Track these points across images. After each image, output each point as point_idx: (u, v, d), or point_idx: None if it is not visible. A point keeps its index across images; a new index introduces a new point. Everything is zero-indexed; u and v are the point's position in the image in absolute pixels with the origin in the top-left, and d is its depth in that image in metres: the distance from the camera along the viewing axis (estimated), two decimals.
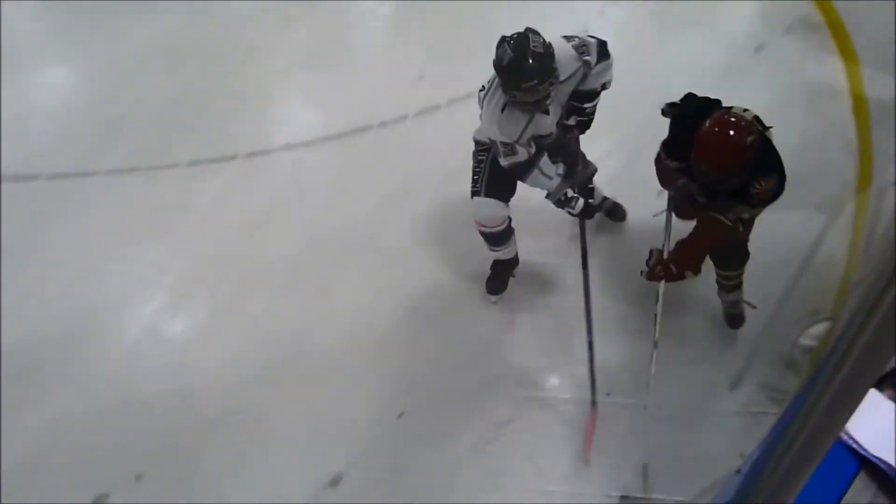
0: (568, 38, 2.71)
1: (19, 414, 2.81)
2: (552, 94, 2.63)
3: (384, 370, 2.99)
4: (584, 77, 2.73)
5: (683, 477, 2.69)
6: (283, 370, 2.91)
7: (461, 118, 3.86)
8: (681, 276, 2.70)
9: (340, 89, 4.07)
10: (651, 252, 2.72)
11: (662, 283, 2.71)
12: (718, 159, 2.50)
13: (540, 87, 2.56)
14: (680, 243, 2.74)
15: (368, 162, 3.73)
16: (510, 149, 2.73)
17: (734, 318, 3.06)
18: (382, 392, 2.94)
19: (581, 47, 2.69)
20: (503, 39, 2.58)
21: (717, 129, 2.51)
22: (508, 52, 2.54)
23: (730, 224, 2.64)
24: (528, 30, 2.59)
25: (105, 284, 3.22)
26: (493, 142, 2.81)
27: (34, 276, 3.19)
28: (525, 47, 2.52)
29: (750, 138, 2.49)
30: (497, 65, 2.59)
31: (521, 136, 2.71)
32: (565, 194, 2.81)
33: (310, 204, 3.53)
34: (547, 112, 2.74)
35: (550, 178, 2.81)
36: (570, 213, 2.86)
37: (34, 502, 2.65)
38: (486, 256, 3.13)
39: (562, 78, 2.65)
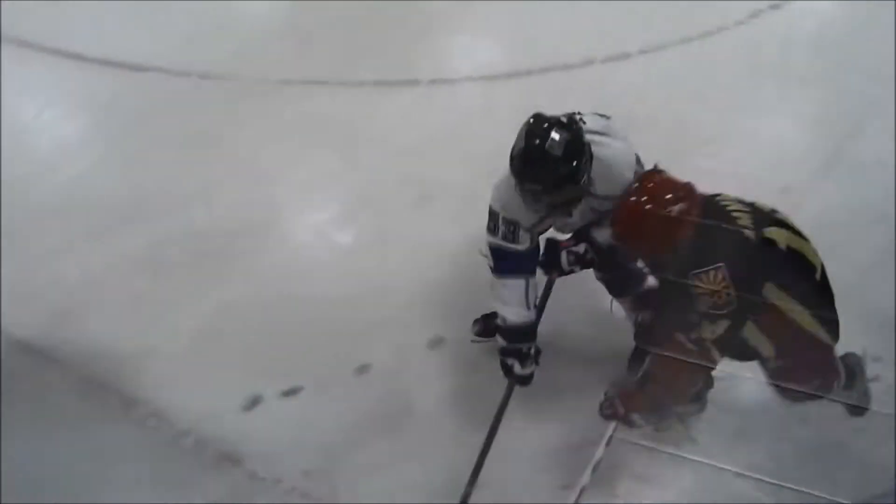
0: (637, 160, 2.15)
1: (197, 295, 3.00)
2: (576, 205, 2.11)
3: None
4: None
5: None
6: (446, 294, 2.90)
7: (651, 70, 3.73)
8: (630, 422, 2.10)
9: (529, 26, 4.00)
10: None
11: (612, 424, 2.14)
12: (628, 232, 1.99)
13: (545, 197, 2.06)
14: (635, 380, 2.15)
15: (548, 104, 3.63)
16: (510, 231, 2.15)
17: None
18: None
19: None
20: (532, 118, 2.07)
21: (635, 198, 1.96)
22: (520, 140, 2.04)
23: (691, 349, 1.94)
24: (561, 119, 2.05)
25: (284, 186, 3.35)
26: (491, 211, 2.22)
27: (225, 168, 3.37)
28: (537, 142, 2.00)
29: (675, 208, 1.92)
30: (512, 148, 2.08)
31: (531, 227, 2.18)
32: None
33: (484, 137, 3.49)
34: (569, 215, 2.19)
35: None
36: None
37: None
38: None
39: (602, 192, 2.08)
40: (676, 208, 1.90)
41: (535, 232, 2.21)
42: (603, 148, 2.09)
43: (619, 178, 2.07)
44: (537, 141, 1.99)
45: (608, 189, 2.08)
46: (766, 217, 2.02)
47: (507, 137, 3.37)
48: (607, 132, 2.14)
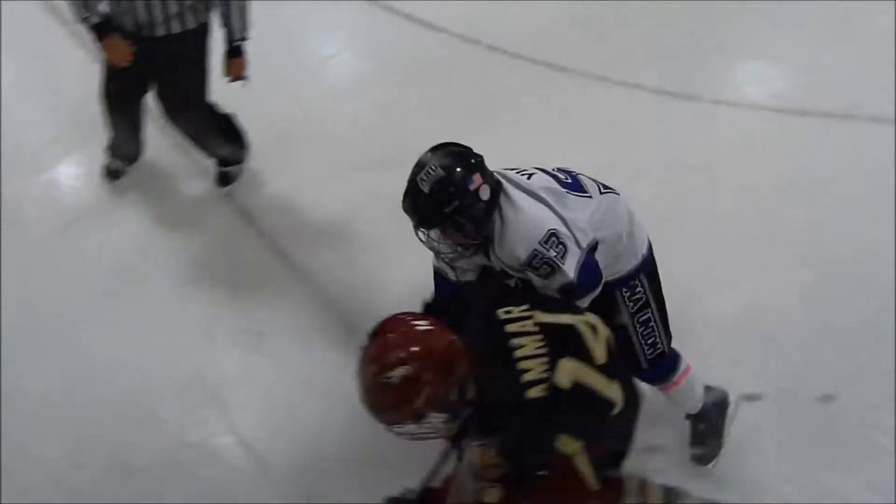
0: (548, 239, 1.86)
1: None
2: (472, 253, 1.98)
3: None
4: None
5: None
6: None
7: None
8: None
9: (827, 64, 3.64)
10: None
11: None
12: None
13: (417, 231, 1.94)
14: None
15: (832, 156, 3.29)
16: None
17: None
18: None
19: (542, 261, 1.86)
20: (439, 145, 1.95)
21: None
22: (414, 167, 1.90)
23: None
24: (461, 154, 1.91)
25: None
26: None
27: (481, 143, 3.45)
28: (416, 170, 1.87)
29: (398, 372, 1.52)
30: None
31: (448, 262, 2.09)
32: None
33: (755, 167, 3.26)
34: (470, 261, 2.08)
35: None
36: None
37: None
38: None
39: (499, 254, 1.93)
40: (397, 373, 1.53)
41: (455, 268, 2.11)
42: (510, 209, 1.90)
43: (509, 249, 1.91)
44: (417, 169, 1.87)
45: (503, 254, 1.93)
46: (560, 343, 1.65)
47: (775, 171, 3.16)
48: (536, 195, 1.94)
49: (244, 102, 3.14)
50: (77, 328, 2.85)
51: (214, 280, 3.05)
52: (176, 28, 2.75)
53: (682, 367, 2.22)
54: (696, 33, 3.83)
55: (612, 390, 1.66)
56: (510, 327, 1.64)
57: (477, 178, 1.86)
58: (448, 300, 2.10)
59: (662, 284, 2.15)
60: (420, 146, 1.93)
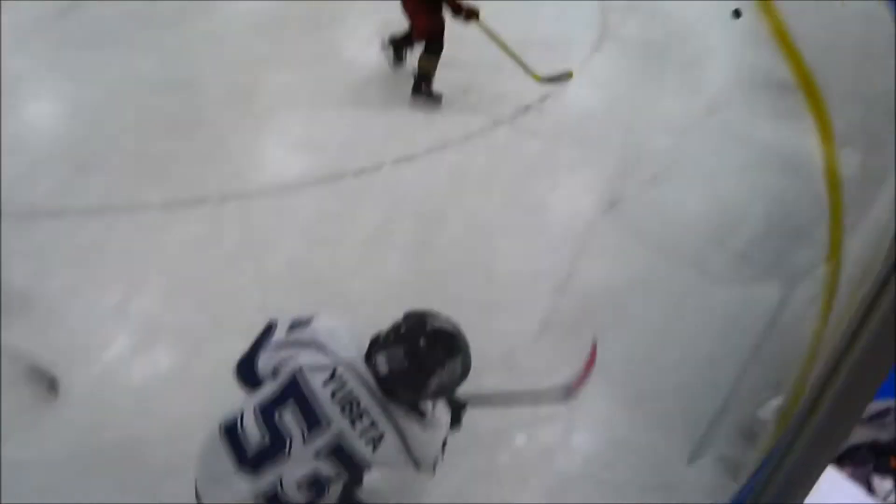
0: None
1: None
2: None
3: None
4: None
5: None
6: None
7: (438, 168, 3.95)
8: None
9: (319, 134, 4.11)
10: None
11: None
12: None
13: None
14: None
15: (342, 209, 3.72)
16: None
17: None
18: None
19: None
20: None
21: None
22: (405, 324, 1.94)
23: None
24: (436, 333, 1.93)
25: (63, 329, 3.13)
26: None
27: None
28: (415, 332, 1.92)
29: None
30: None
31: None
32: None
33: (280, 250, 3.50)
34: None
35: None
36: None
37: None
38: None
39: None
40: None
41: None
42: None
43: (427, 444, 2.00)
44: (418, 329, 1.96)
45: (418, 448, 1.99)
46: None
47: (301, 248, 3.47)
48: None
49: None
50: None
51: None
52: None
53: None
54: (187, 137, 3.94)
55: None
56: None
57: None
58: None
59: None
60: None
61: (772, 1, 5.94)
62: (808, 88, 4.74)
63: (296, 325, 2.01)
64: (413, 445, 1.88)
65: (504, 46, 4.17)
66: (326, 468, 1.84)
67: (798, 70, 5.00)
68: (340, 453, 1.84)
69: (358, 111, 4.29)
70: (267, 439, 1.83)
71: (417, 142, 4.05)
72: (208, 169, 3.84)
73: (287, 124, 4.20)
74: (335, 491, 1.94)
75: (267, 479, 1.81)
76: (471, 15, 4.06)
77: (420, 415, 1.93)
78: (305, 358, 1.90)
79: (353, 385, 1.85)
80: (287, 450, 1.82)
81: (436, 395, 1.97)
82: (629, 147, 4.14)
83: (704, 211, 3.84)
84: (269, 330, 2.04)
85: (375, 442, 1.84)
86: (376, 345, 1.91)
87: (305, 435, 1.83)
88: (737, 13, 5.44)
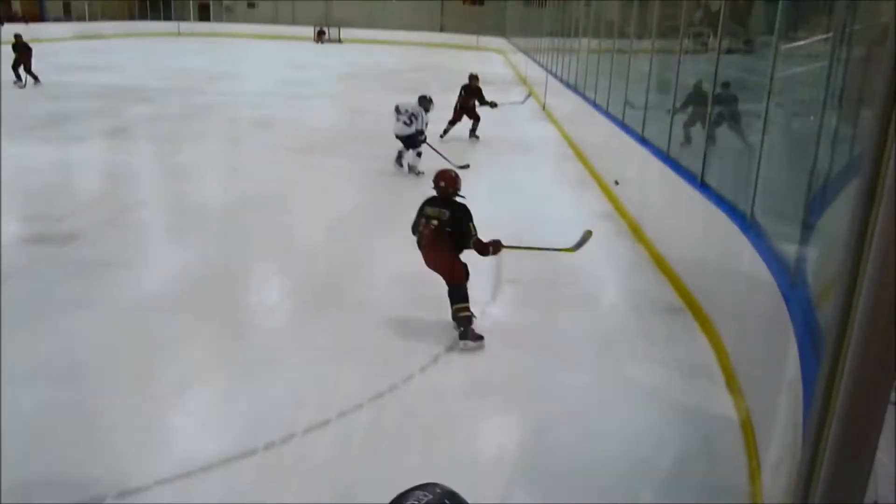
0: None
1: None
2: None
3: None
4: None
5: None
6: None
7: (355, 433, 3.81)
8: None
9: (226, 408, 3.95)
10: None
11: None
12: None
13: None
14: None
15: (253, 489, 3.47)
16: None
17: None
18: None
19: None
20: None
21: None
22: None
23: None
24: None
25: None
26: None
27: None
28: None
29: None
30: None
31: None
32: None
33: None
34: None
35: None
36: None
37: None
38: None
39: None
40: None
41: None
42: None
43: None
44: None
45: None
46: None
47: None
48: None
49: None
50: None
51: None
52: None
53: None
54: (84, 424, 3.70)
55: None
56: None
57: None
58: None
59: None
60: None
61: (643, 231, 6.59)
62: (694, 309, 5.08)
63: None
64: None
65: (529, 248, 4.85)
66: None
67: (680, 293, 5.40)
68: None
69: (264, 382, 4.21)
70: None
71: (327, 407, 3.95)
72: (100, 467, 3.56)
73: (191, 404, 4.04)
74: None
75: None
76: (497, 248, 4.54)
77: None
78: None
79: None
80: None
81: None
82: (537, 391, 4.19)
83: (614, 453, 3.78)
84: None
85: None
86: None
87: None
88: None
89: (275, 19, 38.99)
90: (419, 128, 8.68)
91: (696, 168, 5.42)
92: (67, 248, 6.08)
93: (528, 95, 11.44)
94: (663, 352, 4.65)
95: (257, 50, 28.87)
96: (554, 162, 10.24)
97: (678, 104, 6.37)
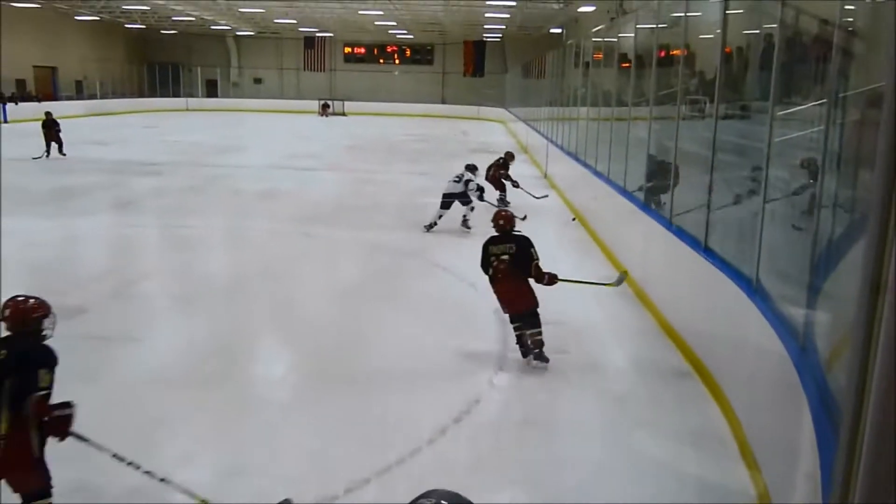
0: None
1: None
2: None
3: None
4: None
5: None
6: None
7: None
8: None
9: (231, 484, 3.84)
10: None
11: None
12: None
13: None
14: None
15: None
16: None
17: None
18: None
19: None
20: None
21: None
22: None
23: None
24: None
25: None
26: None
27: None
28: None
29: None
30: None
31: None
32: None
33: None
34: None
35: None
36: None
37: None
38: None
39: None
40: None
41: None
42: None
43: None
44: None
45: None
46: None
47: None
48: None
49: None
50: None
51: None
52: None
53: None
54: None
55: None
56: None
57: None
58: None
59: None
60: None
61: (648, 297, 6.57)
62: (702, 374, 5.02)
63: None
64: None
65: (577, 281, 5.68)
66: None
67: (688, 358, 5.34)
68: None
69: (269, 456, 4.13)
70: None
71: (336, 479, 3.87)
72: None
73: (195, 480, 3.95)
74: None
75: None
76: (553, 280, 5.17)
77: None
78: None
79: None
80: None
81: None
82: (546, 464, 4.09)
83: None
84: None
85: None
86: None
87: None
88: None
89: (281, 94, 40.03)
90: (471, 188, 9.84)
91: (698, 233, 5.45)
92: (72, 322, 6.05)
93: (547, 195, 12.08)
94: (674, 420, 4.56)
95: (263, 123, 29.50)
96: (556, 227, 10.30)
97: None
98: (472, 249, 7.12)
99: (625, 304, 6.75)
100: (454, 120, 34.08)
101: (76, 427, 3.34)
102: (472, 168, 10.24)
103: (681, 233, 5.91)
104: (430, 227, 9.71)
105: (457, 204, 9.81)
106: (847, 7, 3.79)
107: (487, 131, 28.27)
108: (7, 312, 3.39)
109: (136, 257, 8.02)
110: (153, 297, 7.09)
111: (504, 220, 5.37)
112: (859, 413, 1.28)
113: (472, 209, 9.82)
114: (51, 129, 16.87)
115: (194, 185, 13.62)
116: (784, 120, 4.39)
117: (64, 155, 16.85)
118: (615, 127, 9.22)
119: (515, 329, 5.25)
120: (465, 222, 9.80)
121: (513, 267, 5.16)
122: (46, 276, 7.25)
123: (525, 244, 5.22)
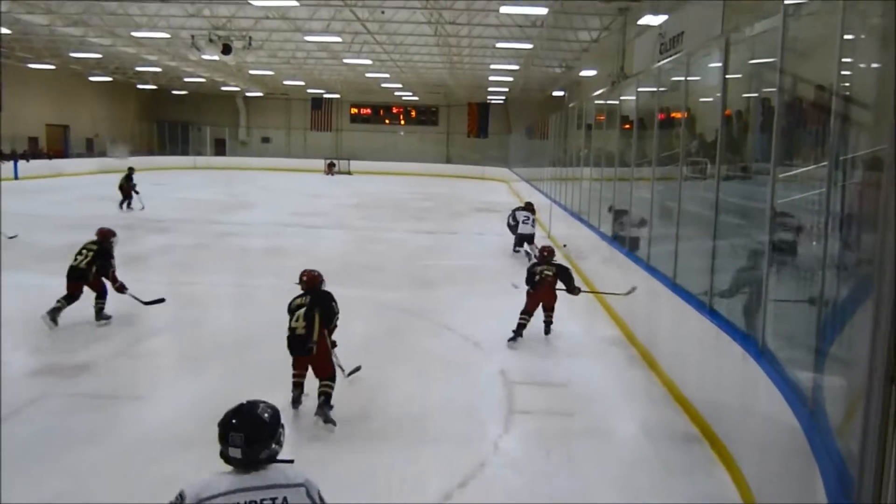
0: None
1: None
2: None
3: None
4: None
5: None
6: None
7: None
8: None
9: None
10: None
11: None
12: None
13: None
14: None
15: None
16: None
17: None
18: None
19: None
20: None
21: None
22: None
23: None
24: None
25: None
26: None
27: None
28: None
29: None
30: None
31: None
32: None
33: None
34: None
35: None
36: None
37: None
38: None
39: None
40: None
41: None
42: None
43: None
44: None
45: None
46: None
47: None
48: None
49: None
50: None
51: None
52: None
53: None
54: None
55: None
56: None
57: None
58: None
59: None
60: None
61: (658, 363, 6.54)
62: (711, 439, 4.96)
63: None
64: None
65: (592, 291, 8.65)
66: None
67: (696, 422, 5.29)
68: None
69: None
70: None
71: None
72: None
73: None
74: None
75: None
76: (578, 292, 7.56)
77: None
78: None
79: None
80: None
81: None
82: None
83: None
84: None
85: None
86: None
87: None
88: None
89: (288, 152, 40.65)
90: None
91: (703, 294, 5.47)
92: (78, 380, 6.07)
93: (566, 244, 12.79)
94: (684, 486, 4.49)
95: (270, 181, 29.86)
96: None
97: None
98: (477, 310, 7.23)
99: (631, 366, 6.73)
100: (459, 180, 34.50)
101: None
102: (531, 206, 12.79)
103: (686, 294, 5.93)
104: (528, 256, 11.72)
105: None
106: (843, 73, 3.90)
107: (491, 191, 28.58)
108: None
109: (143, 314, 8.03)
110: (160, 354, 7.09)
111: (548, 253, 7.76)
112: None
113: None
114: (127, 184, 18.50)
115: (202, 243, 13.74)
116: (785, 182, 4.46)
117: (130, 209, 18.20)
118: (617, 187, 9.33)
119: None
120: (529, 255, 11.68)
121: (552, 283, 7.40)
122: (52, 333, 7.27)
123: (565, 269, 7.60)
